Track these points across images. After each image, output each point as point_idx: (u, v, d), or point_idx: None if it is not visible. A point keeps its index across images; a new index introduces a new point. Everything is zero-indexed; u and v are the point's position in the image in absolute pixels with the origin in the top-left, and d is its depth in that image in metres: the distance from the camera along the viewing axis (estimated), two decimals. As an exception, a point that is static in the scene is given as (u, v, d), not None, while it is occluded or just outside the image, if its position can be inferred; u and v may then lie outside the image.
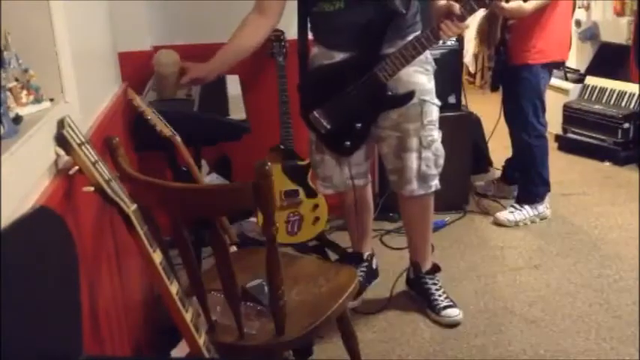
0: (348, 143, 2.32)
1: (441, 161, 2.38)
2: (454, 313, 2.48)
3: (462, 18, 2.07)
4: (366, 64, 2.20)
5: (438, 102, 2.35)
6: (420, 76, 2.29)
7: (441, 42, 2.32)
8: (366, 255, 2.72)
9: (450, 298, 2.54)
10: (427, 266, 2.59)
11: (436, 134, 2.35)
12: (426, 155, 2.32)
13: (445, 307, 2.49)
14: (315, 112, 2.29)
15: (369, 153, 2.51)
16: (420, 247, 2.57)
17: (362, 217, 2.58)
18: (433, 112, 2.33)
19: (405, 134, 2.30)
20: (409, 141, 2.30)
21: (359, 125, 2.29)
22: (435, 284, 2.56)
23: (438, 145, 2.35)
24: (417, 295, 2.60)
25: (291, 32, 2.89)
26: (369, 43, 2.22)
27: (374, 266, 2.76)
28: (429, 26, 2.17)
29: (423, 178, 2.35)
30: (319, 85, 2.32)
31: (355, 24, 2.20)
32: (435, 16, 2.16)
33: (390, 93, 2.24)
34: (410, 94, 2.25)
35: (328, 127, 2.30)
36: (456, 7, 2.05)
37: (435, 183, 2.39)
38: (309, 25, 2.35)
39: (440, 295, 2.53)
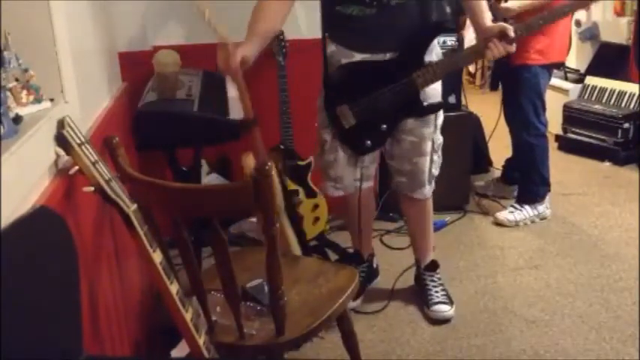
0: (369, 142, 2.30)
1: (441, 161, 2.44)
2: (444, 309, 2.50)
3: (512, 41, 2.10)
4: (405, 69, 2.18)
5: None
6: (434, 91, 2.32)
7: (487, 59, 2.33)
8: (366, 255, 2.72)
9: (448, 296, 2.55)
10: (426, 262, 2.62)
11: (441, 137, 2.40)
12: (435, 158, 2.39)
13: (437, 303, 2.51)
14: (343, 106, 2.25)
15: (377, 155, 2.49)
16: (423, 244, 2.61)
17: (365, 217, 2.58)
18: (441, 115, 2.38)
19: (421, 139, 2.32)
20: (424, 145, 2.33)
21: (384, 126, 2.27)
22: (433, 281, 2.58)
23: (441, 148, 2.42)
24: (420, 291, 2.63)
25: (291, 32, 2.89)
26: (410, 49, 2.20)
27: (374, 266, 2.76)
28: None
29: (431, 180, 2.42)
30: (352, 79, 2.26)
31: (392, 28, 2.17)
32: (481, 33, 2.18)
33: (425, 103, 2.25)
34: (439, 105, 2.30)
35: (353, 122, 2.26)
36: (510, 30, 2.08)
37: (433, 183, 2.47)
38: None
39: (436, 292, 2.55)
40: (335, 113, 2.28)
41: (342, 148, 2.37)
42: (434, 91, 2.29)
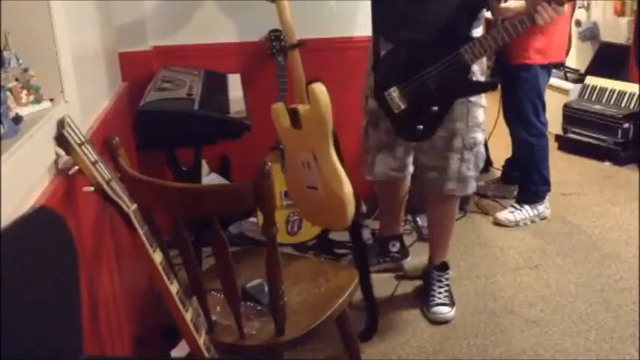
0: (421, 127, 2.22)
1: (481, 164, 2.38)
2: (444, 310, 2.49)
3: (562, 2, 2.06)
4: (451, 44, 2.12)
5: (484, 103, 2.31)
6: (476, 73, 2.27)
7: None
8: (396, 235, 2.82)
9: (451, 297, 2.55)
10: (438, 262, 2.61)
11: (480, 136, 2.32)
12: (468, 157, 2.31)
13: (437, 304, 2.51)
14: (391, 90, 2.19)
15: (408, 148, 2.45)
16: (441, 244, 2.60)
17: (397, 202, 2.65)
18: (479, 114, 2.30)
19: (450, 134, 2.27)
20: (454, 141, 2.28)
21: (435, 108, 2.18)
22: (439, 281, 2.57)
23: (481, 148, 2.34)
24: (423, 289, 2.63)
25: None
26: (456, 24, 2.15)
27: (405, 245, 2.85)
28: None
29: (462, 179, 2.35)
30: (399, 62, 2.21)
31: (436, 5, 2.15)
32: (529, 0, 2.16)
33: (474, 78, 2.19)
34: (493, 83, 2.26)
35: (403, 107, 2.19)
36: None
37: (473, 185, 2.40)
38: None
39: (440, 293, 2.54)
40: (384, 98, 2.21)
41: (373, 136, 2.39)
42: (480, 70, 2.24)
